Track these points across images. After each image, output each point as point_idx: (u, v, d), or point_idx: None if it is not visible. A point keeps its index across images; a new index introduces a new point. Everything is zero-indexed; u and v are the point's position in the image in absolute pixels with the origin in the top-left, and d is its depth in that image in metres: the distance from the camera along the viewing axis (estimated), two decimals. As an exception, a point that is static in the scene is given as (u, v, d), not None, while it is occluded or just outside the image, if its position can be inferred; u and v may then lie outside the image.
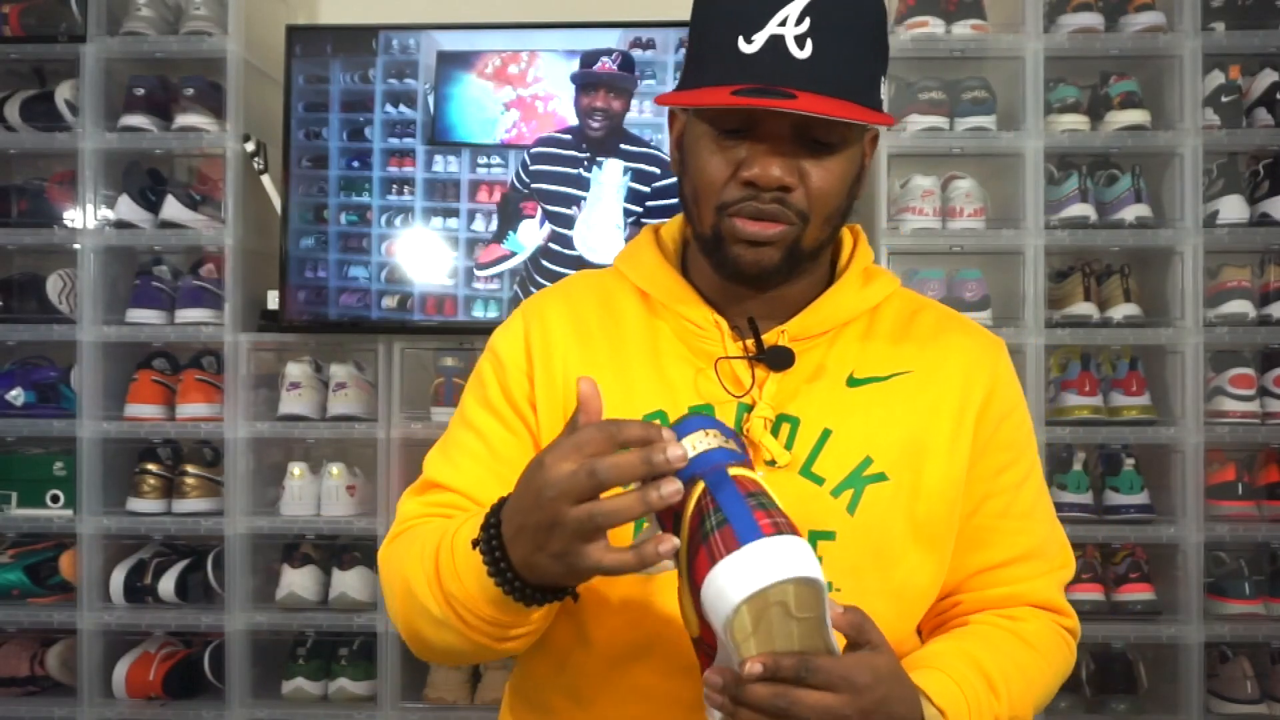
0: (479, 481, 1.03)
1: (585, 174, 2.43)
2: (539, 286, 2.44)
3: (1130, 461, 2.39)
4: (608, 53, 2.43)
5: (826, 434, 1.00)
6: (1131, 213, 2.41)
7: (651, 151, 2.42)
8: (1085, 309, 2.42)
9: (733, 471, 0.80)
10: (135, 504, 2.47)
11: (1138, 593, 2.34)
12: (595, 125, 2.42)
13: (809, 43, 0.91)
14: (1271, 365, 2.43)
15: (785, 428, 1.00)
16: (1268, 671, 2.39)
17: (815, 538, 0.97)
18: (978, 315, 2.38)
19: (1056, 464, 2.42)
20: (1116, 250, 2.46)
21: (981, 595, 1.05)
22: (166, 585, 2.45)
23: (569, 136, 2.44)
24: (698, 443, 0.83)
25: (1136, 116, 2.41)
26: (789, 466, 0.98)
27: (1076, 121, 2.43)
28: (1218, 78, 2.43)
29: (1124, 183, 2.43)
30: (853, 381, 1.03)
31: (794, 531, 0.77)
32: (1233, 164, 2.46)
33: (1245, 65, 2.47)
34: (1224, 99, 2.42)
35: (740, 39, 0.92)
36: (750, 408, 1.00)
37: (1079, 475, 2.40)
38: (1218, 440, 2.38)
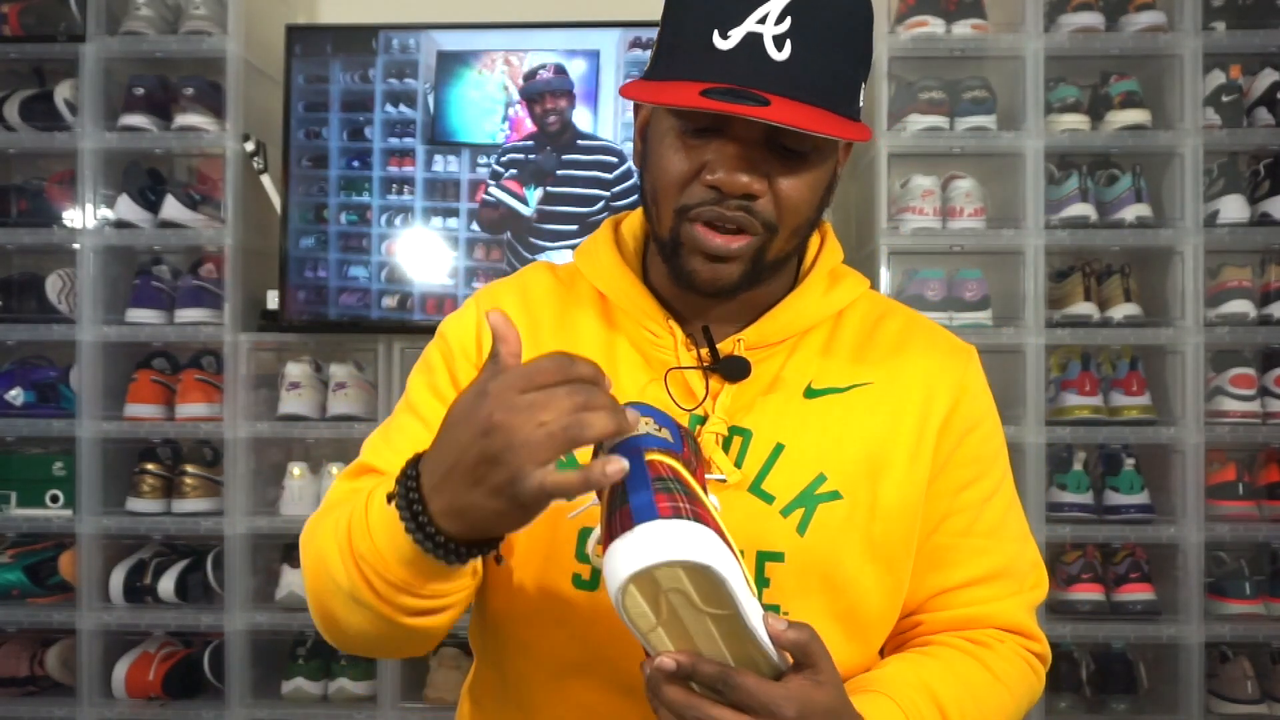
0: None
1: (555, 172, 2.44)
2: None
3: (1130, 461, 2.39)
4: (543, 67, 2.47)
5: (779, 449, 0.94)
6: (1132, 212, 2.40)
7: (607, 143, 2.44)
8: (1085, 309, 2.42)
9: (649, 456, 0.77)
10: (135, 504, 2.47)
11: (1138, 593, 2.34)
12: (551, 122, 2.45)
13: (788, 44, 0.85)
14: (1272, 365, 2.43)
15: (737, 441, 0.95)
16: (1268, 671, 2.39)
17: (763, 559, 0.93)
18: (977, 315, 2.38)
19: (1057, 464, 2.42)
20: (1117, 250, 2.46)
21: (944, 616, 1.00)
22: (166, 585, 2.44)
23: (531, 142, 2.47)
24: (646, 425, 0.81)
25: (1137, 116, 2.41)
26: (739, 484, 0.93)
27: (1077, 121, 2.43)
28: (1218, 77, 2.43)
29: (1124, 182, 2.43)
30: (810, 393, 0.97)
31: (700, 520, 0.74)
32: (1233, 164, 2.46)
33: (1246, 65, 2.47)
34: (1224, 98, 2.42)
35: (716, 33, 0.86)
36: (703, 420, 0.95)
37: (1079, 475, 2.39)
38: (1218, 440, 2.38)
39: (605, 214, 2.42)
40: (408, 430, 1.01)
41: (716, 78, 0.85)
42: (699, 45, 0.87)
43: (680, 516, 0.73)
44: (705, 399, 0.96)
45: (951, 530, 1.00)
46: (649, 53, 2.46)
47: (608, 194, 2.44)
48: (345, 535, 0.85)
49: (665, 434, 0.82)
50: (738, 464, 0.94)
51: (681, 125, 0.90)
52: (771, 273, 0.96)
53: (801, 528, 0.93)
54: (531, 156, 2.46)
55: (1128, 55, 2.46)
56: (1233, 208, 2.40)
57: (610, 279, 1.02)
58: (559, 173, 2.45)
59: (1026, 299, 2.36)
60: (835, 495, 0.94)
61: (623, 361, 0.99)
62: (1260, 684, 2.36)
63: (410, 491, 0.78)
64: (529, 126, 2.46)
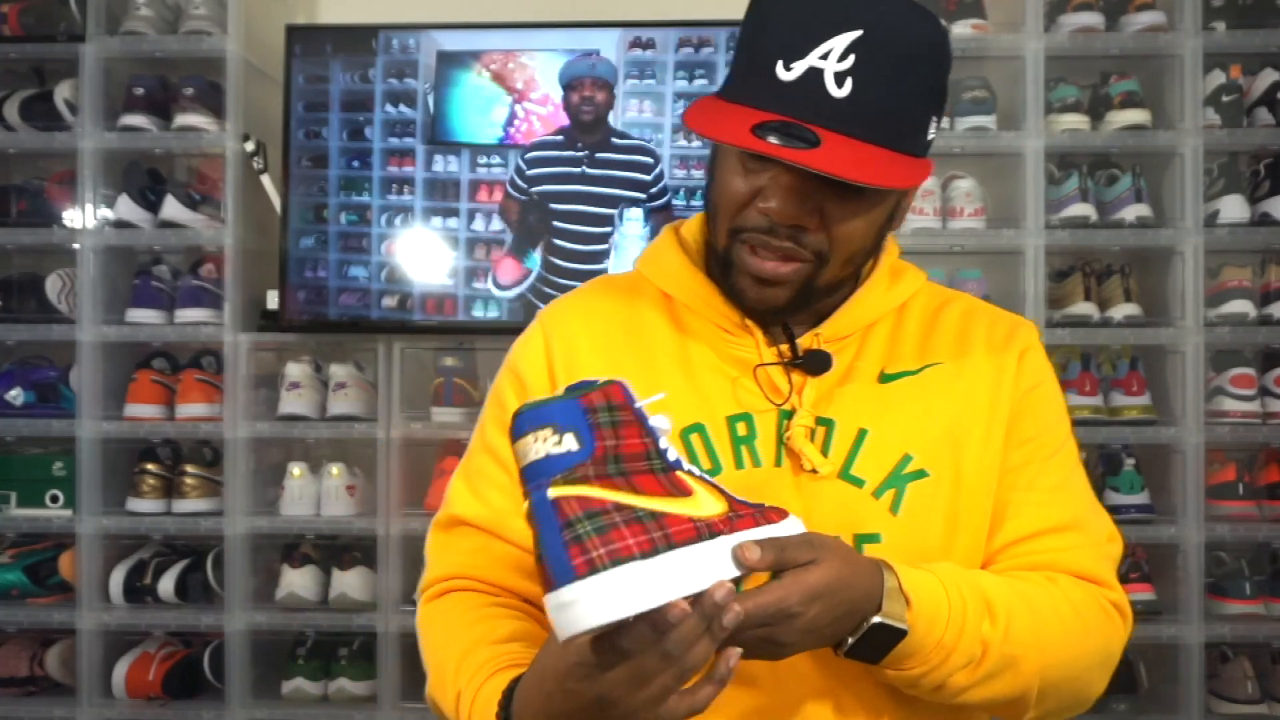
0: (504, 514, 1.00)
1: (588, 170, 2.43)
2: (540, 292, 2.44)
3: (1131, 461, 2.39)
4: (588, 53, 2.44)
5: (863, 434, 0.97)
6: (1132, 212, 2.40)
7: (641, 143, 2.42)
8: (1085, 309, 2.42)
9: (553, 493, 0.73)
10: (135, 504, 2.47)
11: (1138, 593, 2.34)
12: (586, 112, 2.43)
13: (849, 81, 0.86)
14: (1272, 365, 2.43)
15: (821, 431, 0.97)
16: (1268, 671, 2.39)
17: (861, 541, 0.94)
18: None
19: (1057, 464, 2.42)
20: (1117, 250, 2.46)
21: (1009, 565, 0.98)
22: (166, 585, 2.44)
23: (561, 138, 2.44)
24: (528, 449, 0.75)
25: (1137, 116, 2.41)
26: (829, 472, 0.96)
27: (1077, 121, 2.43)
28: (1218, 77, 2.43)
29: (1124, 182, 2.43)
30: (884, 378, 1.00)
31: (615, 558, 0.71)
32: (1233, 164, 2.46)
33: (1246, 64, 2.47)
34: (1224, 98, 2.42)
35: (780, 64, 0.87)
36: (790, 414, 0.97)
37: (1079, 475, 2.39)
38: (1218, 440, 2.38)
39: (639, 216, 2.42)
40: (488, 475, 1.03)
41: (775, 108, 0.87)
42: (764, 73, 0.88)
43: (596, 570, 0.70)
44: (792, 394, 0.98)
45: (1014, 485, 1.00)
46: (649, 53, 2.48)
47: (644, 195, 2.42)
48: (454, 706, 0.91)
49: (569, 441, 0.74)
50: (825, 453, 0.96)
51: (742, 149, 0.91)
52: (825, 297, 0.98)
53: (895, 508, 0.96)
54: (559, 153, 2.44)
55: (1128, 55, 2.46)
56: (1233, 208, 2.40)
57: (680, 282, 1.04)
58: (589, 171, 2.43)
59: (1026, 299, 2.36)
60: (923, 474, 0.97)
61: (698, 362, 1.01)
62: (1260, 684, 2.36)
63: None
64: (535, 126, 2.46)
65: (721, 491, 0.81)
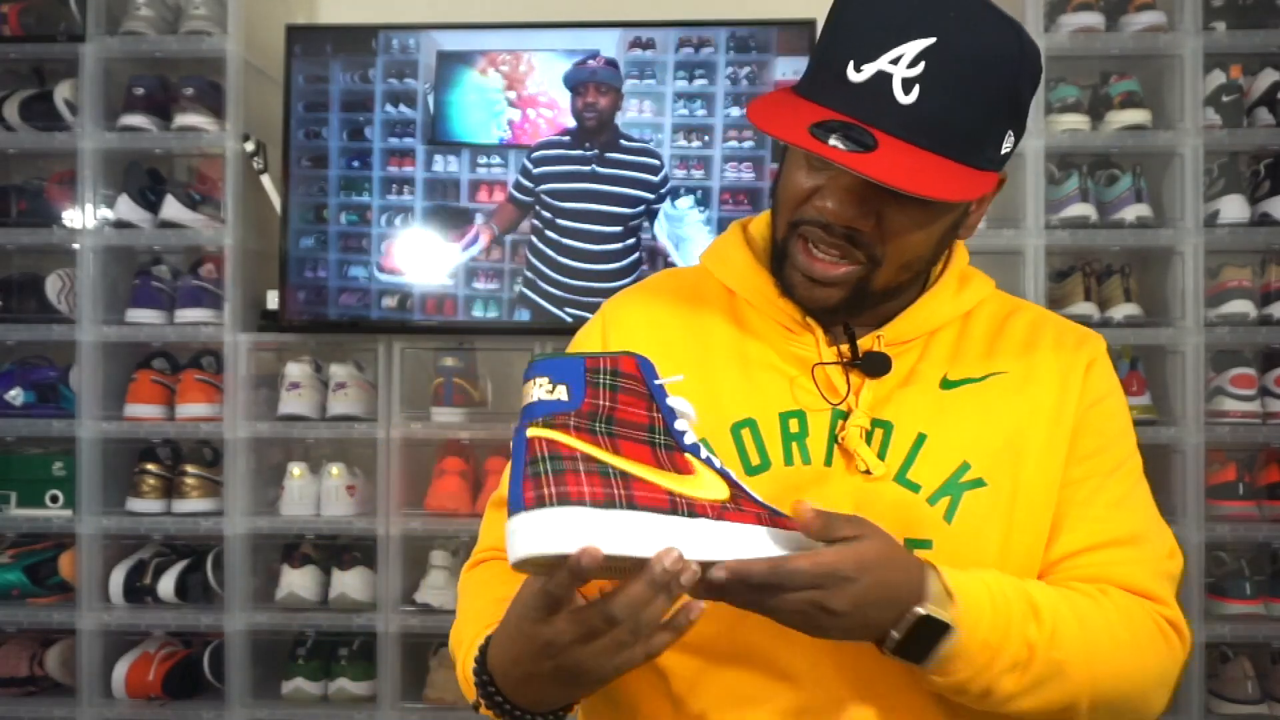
0: None
1: (598, 169, 2.43)
2: (543, 292, 2.44)
3: (1131, 461, 2.39)
4: (594, 55, 2.44)
5: (921, 439, 0.96)
6: (1132, 212, 2.40)
7: (648, 145, 2.42)
8: (1086, 309, 2.42)
9: (531, 432, 0.77)
10: (135, 504, 2.47)
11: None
12: (589, 118, 2.44)
13: (916, 88, 0.85)
14: (1272, 365, 2.43)
15: (879, 434, 0.96)
16: (1268, 672, 2.39)
17: (912, 546, 0.92)
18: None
19: (1057, 464, 2.42)
20: (1117, 250, 2.46)
21: (1065, 578, 0.96)
22: (166, 585, 2.44)
23: (568, 138, 2.44)
24: (527, 394, 0.79)
25: (1137, 116, 2.41)
26: (884, 475, 0.95)
27: (1077, 121, 2.43)
28: (1218, 77, 2.43)
29: (1124, 182, 2.43)
30: (947, 384, 0.99)
31: (562, 498, 0.74)
32: (1233, 164, 2.46)
33: (1246, 65, 2.47)
34: (1225, 98, 2.42)
35: (851, 65, 0.87)
36: (845, 415, 0.96)
37: (1079, 475, 2.39)
38: (1218, 440, 2.38)
39: (645, 219, 2.42)
40: None
41: (839, 108, 0.87)
42: (834, 73, 0.88)
43: (544, 504, 0.73)
44: (848, 394, 0.97)
45: (1072, 499, 0.98)
46: (649, 53, 2.48)
47: (653, 196, 2.42)
48: (460, 666, 0.94)
49: (560, 391, 0.78)
50: (881, 455, 0.95)
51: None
52: (882, 299, 0.97)
53: (949, 515, 0.94)
54: (567, 152, 2.44)
55: (1128, 55, 2.46)
56: (1233, 208, 2.40)
57: (744, 278, 1.03)
58: (599, 170, 2.42)
59: (1026, 299, 2.35)
60: (980, 483, 0.95)
61: (755, 358, 1.00)
62: (1260, 684, 2.36)
63: (493, 693, 0.86)
64: (539, 126, 2.46)
65: (738, 487, 0.81)
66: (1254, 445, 2.45)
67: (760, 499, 0.82)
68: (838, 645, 0.89)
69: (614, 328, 1.06)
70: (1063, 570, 0.97)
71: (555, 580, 0.75)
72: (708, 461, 0.82)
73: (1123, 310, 2.41)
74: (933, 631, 0.84)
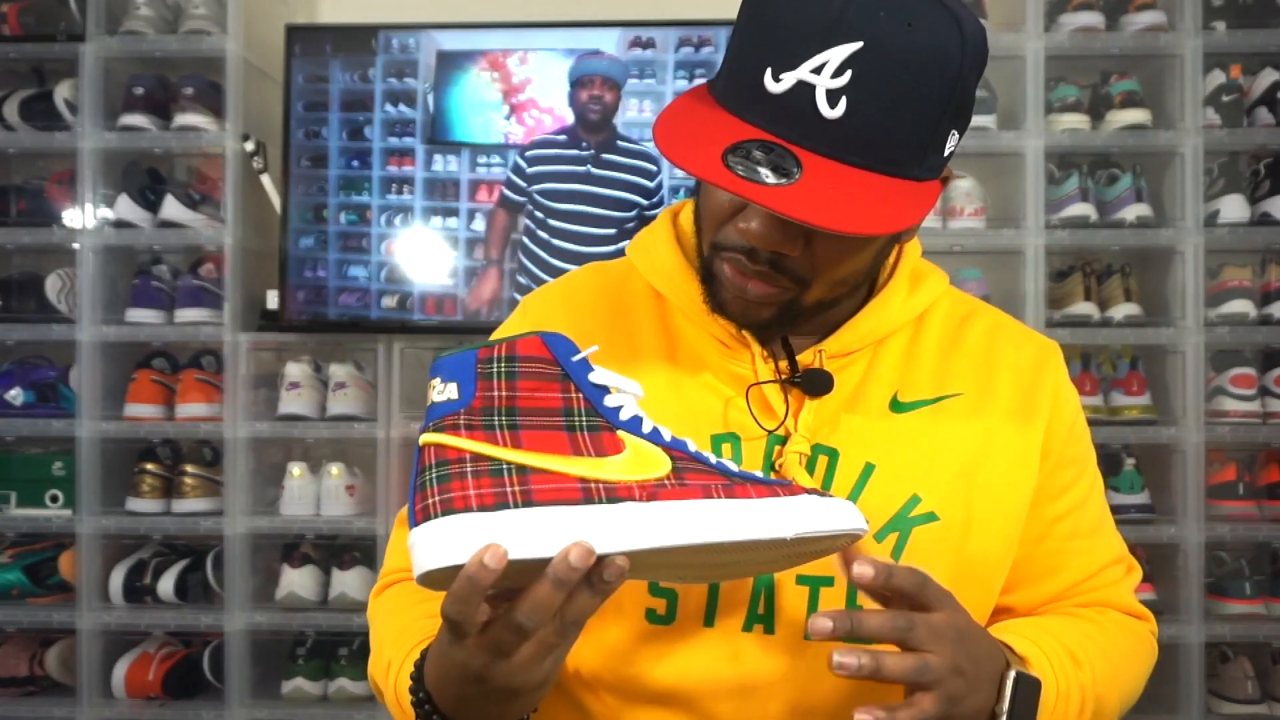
0: None
1: (593, 170, 2.43)
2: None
3: (1131, 461, 2.39)
4: (597, 52, 2.44)
5: (869, 469, 0.88)
6: (1132, 212, 2.40)
7: (646, 148, 2.42)
8: (1086, 309, 2.42)
9: (422, 440, 0.73)
10: (134, 504, 2.47)
11: (1138, 593, 2.34)
12: (593, 111, 2.43)
13: (843, 101, 0.74)
14: (1272, 365, 2.43)
15: (823, 461, 0.88)
16: (1268, 671, 2.39)
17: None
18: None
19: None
20: (1117, 250, 2.46)
21: (1067, 606, 0.97)
22: (166, 585, 2.44)
23: (564, 137, 2.44)
24: (429, 395, 0.75)
25: (1137, 116, 2.41)
26: None
27: (1077, 121, 2.43)
28: (1218, 77, 2.43)
29: (1124, 182, 2.43)
30: (897, 405, 0.91)
31: (446, 508, 0.69)
32: (1233, 163, 2.46)
33: (1246, 64, 2.47)
34: (1225, 98, 2.42)
35: (769, 73, 0.76)
36: (783, 440, 0.88)
37: (1079, 475, 2.39)
38: (1218, 440, 2.38)
39: (639, 224, 2.41)
40: None
41: (760, 123, 0.77)
42: (750, 81, 0.77)
43: (430, 516, 0.70)
44: (787, 417, 0.89)
45: (1060, 535, 0.95)
46: (649, 53, 2.48)
47: (646, 201, 2.42)
48: (390, 691, 0.87)
49: (450, 390, 0.73)
50: (825, 486, 0.88)
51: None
52: (817, 313, 0.89)
53: (896, 552, 0.87)
54: (562, 151, 2.44)
55: (1128, 55, 2.46)
56: (1233, 207, 2.40)
57: (674, 283, 0.94)
58: (594, 171, 2.43)
59: (1027, 299, 2.36)
60: (931, 517, 0.89)
61: (687, 376, 0.92)
62: (1260, 684, 2.36)
63: (433, 714, 0.79)
64: (543, 124, 2.46)
65: (690, 458, 0.74)
66: (1254, 445, 2.45)
67: (732, 466, 0.75)
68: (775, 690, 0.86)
69: (536, 326, 0.97)
70: (1065, 599, 0.97)
71: (452, 596, 0.69)
72: (653, 435, 0.74)
73: (1123, 310, 2.41)
74: (1030, 691, 0.80)
